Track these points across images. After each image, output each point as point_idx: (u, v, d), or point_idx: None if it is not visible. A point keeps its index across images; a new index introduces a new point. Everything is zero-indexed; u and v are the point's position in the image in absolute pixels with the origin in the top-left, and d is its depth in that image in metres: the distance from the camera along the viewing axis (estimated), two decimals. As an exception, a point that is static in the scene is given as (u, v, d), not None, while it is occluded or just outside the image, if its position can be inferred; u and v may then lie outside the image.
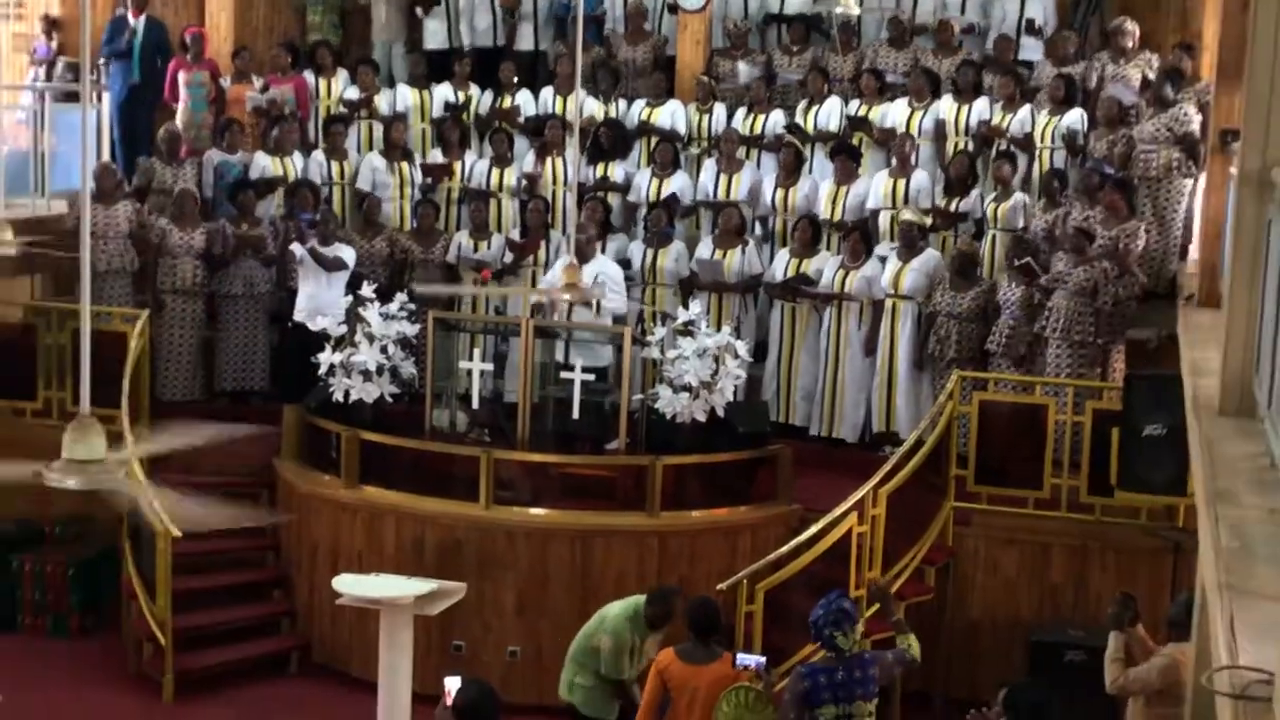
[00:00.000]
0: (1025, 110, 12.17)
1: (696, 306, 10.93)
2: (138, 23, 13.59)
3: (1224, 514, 4.67)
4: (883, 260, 11.58)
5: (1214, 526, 4.58)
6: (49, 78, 14.17)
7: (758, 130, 12.83)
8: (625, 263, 12.07)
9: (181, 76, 13.32)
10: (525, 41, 14.07)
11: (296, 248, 11.78)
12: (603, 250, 11.92)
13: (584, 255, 10.96)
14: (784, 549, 9.64)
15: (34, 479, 4.46)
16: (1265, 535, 4.49)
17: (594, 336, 11.21)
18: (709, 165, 12.72)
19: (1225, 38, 9.29)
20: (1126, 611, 7.34)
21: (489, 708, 6.35)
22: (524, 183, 12.72)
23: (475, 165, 12.96)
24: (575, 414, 10.65)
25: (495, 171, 12.81)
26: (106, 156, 13.19)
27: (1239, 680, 3.36)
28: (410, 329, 10.92)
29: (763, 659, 7.10)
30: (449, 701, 6.64)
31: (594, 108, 13.03)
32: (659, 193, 12.45)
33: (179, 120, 13.21)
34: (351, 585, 9.35)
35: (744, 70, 13.31)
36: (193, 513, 4.85)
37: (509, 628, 10.08)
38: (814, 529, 9.66)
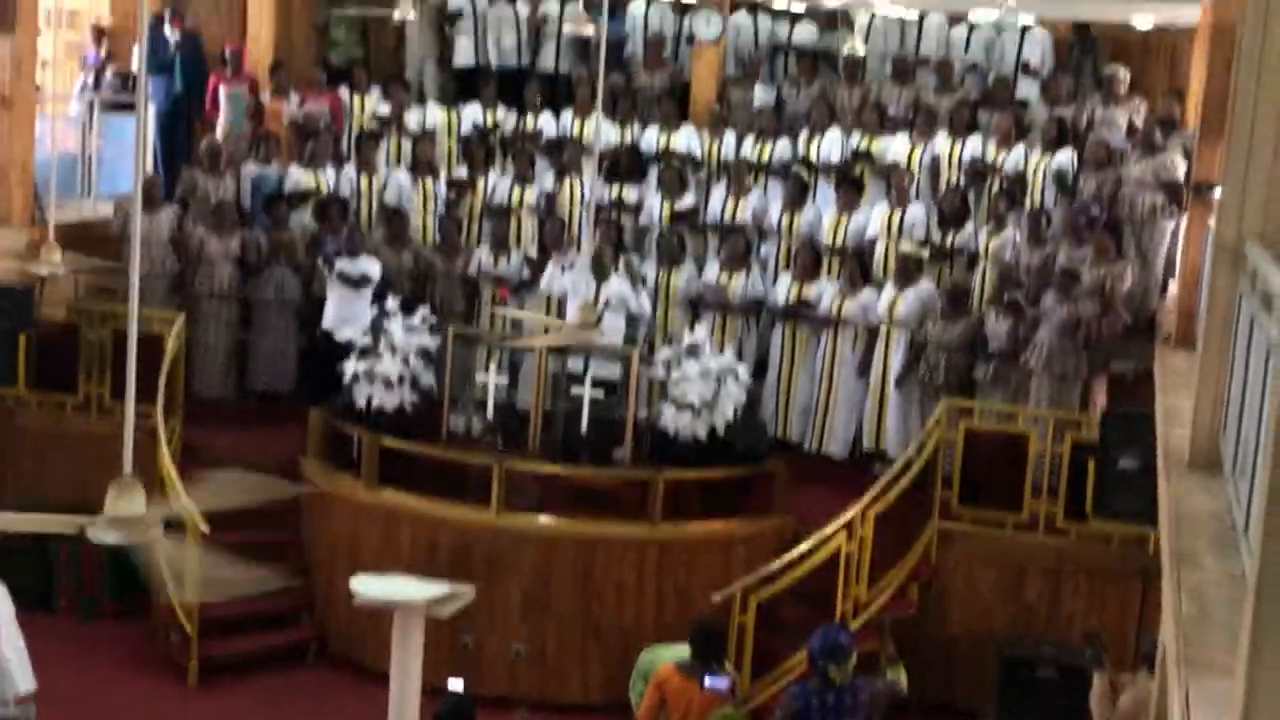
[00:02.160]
0: (1020, 149, 12.19)
1: (701, 330, 10.99)
2: (173, 35, 13.63)
3: (1185, 578, 4.70)
4: (879, 289, 11.62)
5: (1175, 592, 4.61)
6: (98, 84, 14.23)
7: (765, 158, 12.87)
8: (641, 280, 12.11)
9: (222, 90, 13.39)
10: (548, 62, 14.13)
11: (325, 269, 11.86)
12: (616, 269, 11.98)
13: (603, 271, 11.25)
14: (775, 564, 9.71)
15: (76, 531, 4.56)
16: (1223, 600, 4.50)
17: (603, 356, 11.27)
18: (718, 190, 12.76)
19: (1209, 93, 9.32)
20: (1098, 648, 7.37)
21: None
22: (543, 202, 12.77)
23: (498, 183, 13.00)
24: (584, 426, 10.73)
25: (516, 189, 12.85)
26: (150, 165, 13.25)
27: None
28: (431, 341, 10.99)
29: (729, 679, 7.13)
30: None
31: (611, 132, 13.06)
32: (670, 215, 12.50)
33: (219, 132, 13.28)
34: (368, 586, 9.38)
35: (760, 92, 13.36)
36: (220, 575, 4.90)
37: (514, 627, 10.17)
38: (804, 546, 9.73)
